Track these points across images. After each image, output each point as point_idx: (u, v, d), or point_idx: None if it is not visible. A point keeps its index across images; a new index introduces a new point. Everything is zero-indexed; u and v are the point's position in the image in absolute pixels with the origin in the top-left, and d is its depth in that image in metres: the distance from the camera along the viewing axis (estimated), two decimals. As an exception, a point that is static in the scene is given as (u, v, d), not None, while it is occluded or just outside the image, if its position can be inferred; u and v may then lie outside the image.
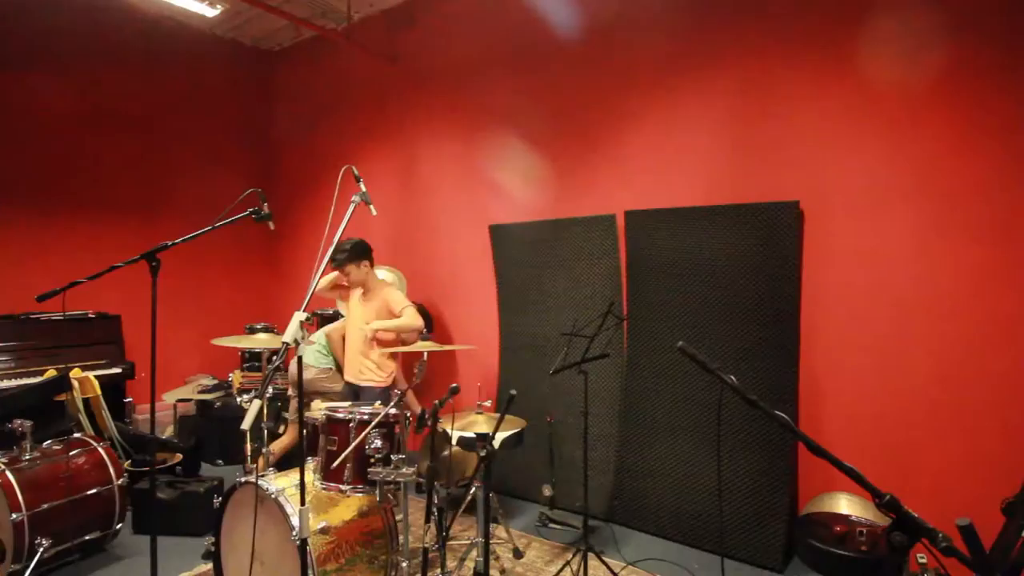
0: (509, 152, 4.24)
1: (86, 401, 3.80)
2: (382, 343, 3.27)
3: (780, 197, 3.08)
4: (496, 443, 2.68)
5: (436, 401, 2.27)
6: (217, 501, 2.44)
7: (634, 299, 3.56)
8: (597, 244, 3.71)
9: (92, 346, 4.33)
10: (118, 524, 3.05)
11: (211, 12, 4.42)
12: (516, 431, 2.78)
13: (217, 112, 5.69)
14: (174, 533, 3.18)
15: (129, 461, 3.67)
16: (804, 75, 3.10)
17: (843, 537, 2.68)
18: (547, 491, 3.49)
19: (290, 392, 4.04)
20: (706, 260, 3.27)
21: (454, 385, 2.28)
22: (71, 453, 2.96)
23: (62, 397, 3.76)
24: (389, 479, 2.16)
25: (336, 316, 4.62)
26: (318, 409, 2.48)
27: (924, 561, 1.60)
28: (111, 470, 3.04)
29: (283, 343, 1.78)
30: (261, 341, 3.02)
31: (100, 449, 3.08)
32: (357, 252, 3.29)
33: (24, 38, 4.45)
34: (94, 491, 2.94)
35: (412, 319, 3.21)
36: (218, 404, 4.44)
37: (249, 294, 5.90)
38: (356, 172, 2.14)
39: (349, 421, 2.27)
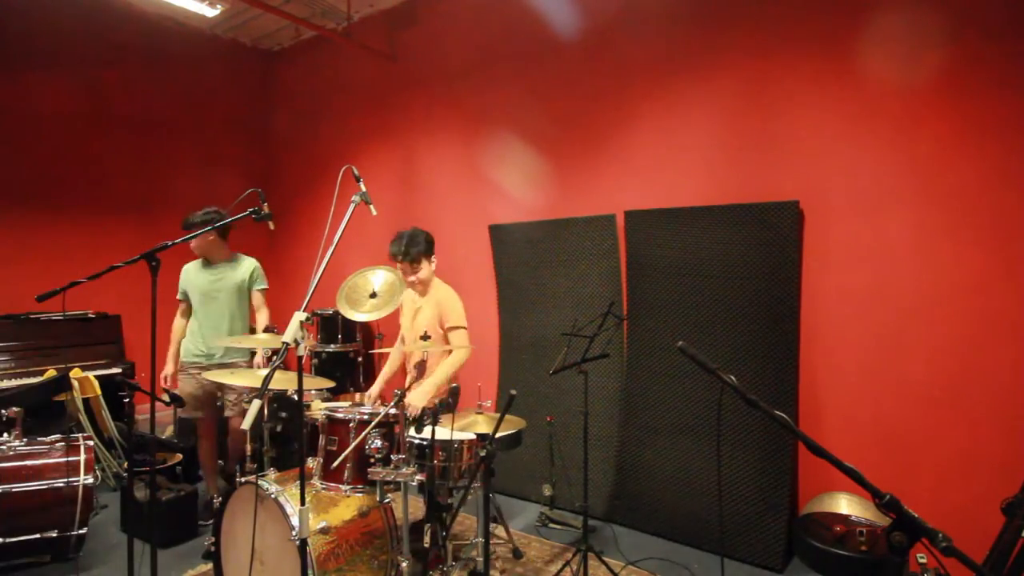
0: (509, 152, 4.24)
1: (86, 401, 3.80)
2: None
3: (780, 197, 3.08)
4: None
5: (436, 400, 2.27)
6: (218, 501, 2.44)
7: (634, 299, 3.56)
8: (597, 244, 3.71)
9: (92, 346, 4.33)
10: (80, 528, 2.82)
11: (211, 12, 4.42)
12: (516, 431, 2.78)
13: (217, 112, 5.68)
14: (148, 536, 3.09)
15: (127, 462, 3.66)
16: (804, 75, 3.10)
17: (843, 537, 2.68)
18: (547, 491, 3.49)
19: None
20: (706, 260, 3.27)
21: (454, 385, 2.28)
22: (53, 447, 2.86)
23: (62, 397, 3.76)
24: (389, 479, 2.16)
25: (336, 316, 4.62)
26: (318, 409, 2.48)
27: (924, 561, 1.59)
28: (81, 468, 2.84)
29: (283, 343, 1.78)
30: (261, 341, 3.01)
31: (82, 447, 2.93)
32: (431, 243, 2.83)
33: (24, 38, 4.44)
34: (50, 485, 2.75)
35: (461, 355, 2.65)
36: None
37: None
38: (356, 172, 2.13)
39: (349, 421, 2.28)
